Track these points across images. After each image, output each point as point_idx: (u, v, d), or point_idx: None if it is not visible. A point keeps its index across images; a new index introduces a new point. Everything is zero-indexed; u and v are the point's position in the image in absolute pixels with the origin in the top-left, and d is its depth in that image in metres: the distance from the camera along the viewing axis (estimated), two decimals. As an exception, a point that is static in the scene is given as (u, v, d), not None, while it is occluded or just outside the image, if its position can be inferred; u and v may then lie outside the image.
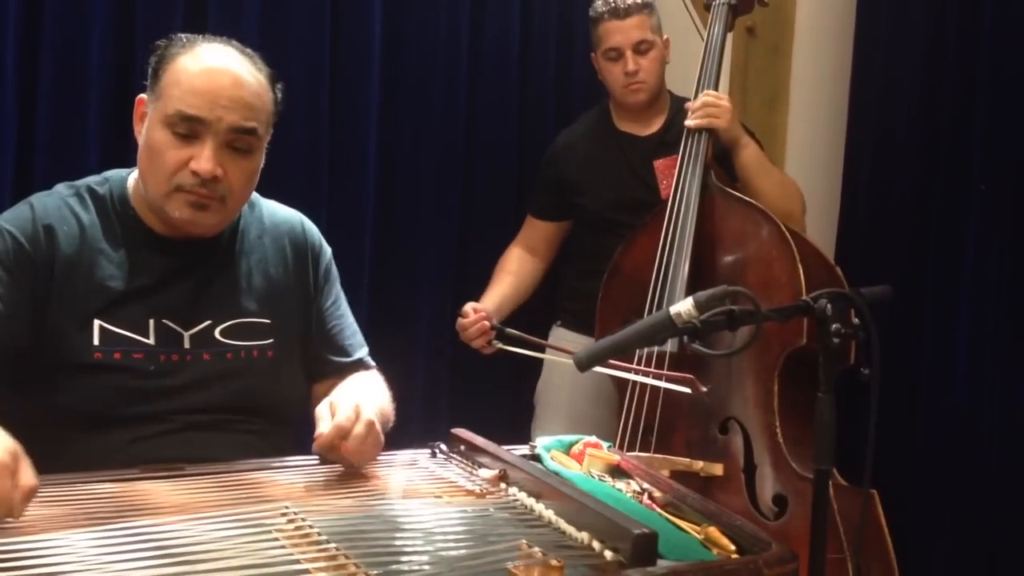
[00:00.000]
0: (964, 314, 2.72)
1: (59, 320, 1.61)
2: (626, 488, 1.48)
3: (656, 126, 2.83)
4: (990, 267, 2.67)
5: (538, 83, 3.23)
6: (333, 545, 1.16)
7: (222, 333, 1.71)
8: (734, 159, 2.64)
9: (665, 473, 2.09)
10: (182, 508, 1.29)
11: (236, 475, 1.47)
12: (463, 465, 1.55)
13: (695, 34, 2.98)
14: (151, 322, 1.66)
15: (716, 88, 2.67)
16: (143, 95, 1.70)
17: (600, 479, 1.50)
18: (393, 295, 3.01)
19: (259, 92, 1.67)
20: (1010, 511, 2.63)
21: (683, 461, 2.39)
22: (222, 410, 1.68)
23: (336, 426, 1.49)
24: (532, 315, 2.93)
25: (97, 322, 1.63)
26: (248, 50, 1.72)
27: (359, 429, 1.50)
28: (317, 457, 1.55)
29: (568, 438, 1.63)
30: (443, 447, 1.62)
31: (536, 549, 1.17)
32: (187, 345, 1.68)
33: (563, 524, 1.27)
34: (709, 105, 2.59)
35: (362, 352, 1.91)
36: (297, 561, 1.12)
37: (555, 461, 1.54)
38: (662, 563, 1.17)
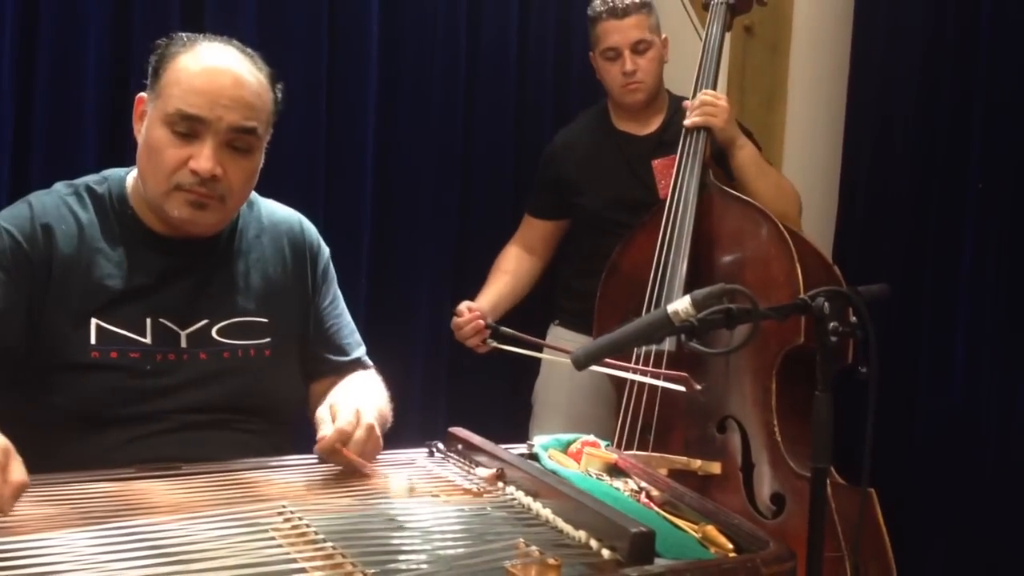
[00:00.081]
0: (962, 313, 2.72)
1: (56, 319, 1.61)
2: (624, 487, 1.48)
3: (654, 126, 2.83)
4: (987, 266, 2.68)
5: (536, 83, 3.23)
6: (330, 544, 1.16)
7: (219, 332, 1.71)
8: (730, 159, 2.64)
9: (663, 472, 2.09)
10: (178, 508, 1.29)
11: (233, 474, 1.47)
12: (461, 464, 1.55)
13: (693, 33, 2.98)
14: (148, 321, 1.66)
15: (714, 87, 2.67)
16: (143, 94, 1.69)
17: (598, 478, 1.50)
18: (391, 294, 3.01)
19: (259, 92, 1.67)
20: (1008, 509, 2.63)
21: (681, 460, 2.39)
22: (219, 409, 1.68)
23: (338, 431, 1.49)
24: (530, 314, 2.93)
25: (94, 321, 1.62)
26: (248, 49, 1.72)
27: (360, 434, 1.50)
28: (313, 456, 1.55)
29: (566, 437, 1.63)
30: (441, 446, 1.61)
31: (533, 548, 1.16)
32: (184, 344, 1.68)
33: (561, 523, 1.27)
34: (706, 104, 2.59)
35: (360, 351, 1.91)
36: (294, 560, 1.12)
37: (553, 460, 1.54)
38: (660, 562, 1.17)
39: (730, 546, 1.28)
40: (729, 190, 2.56)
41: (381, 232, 2.98)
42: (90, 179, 1.74)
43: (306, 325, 1.83)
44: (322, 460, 1.54)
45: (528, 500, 1.36)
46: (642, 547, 1.16)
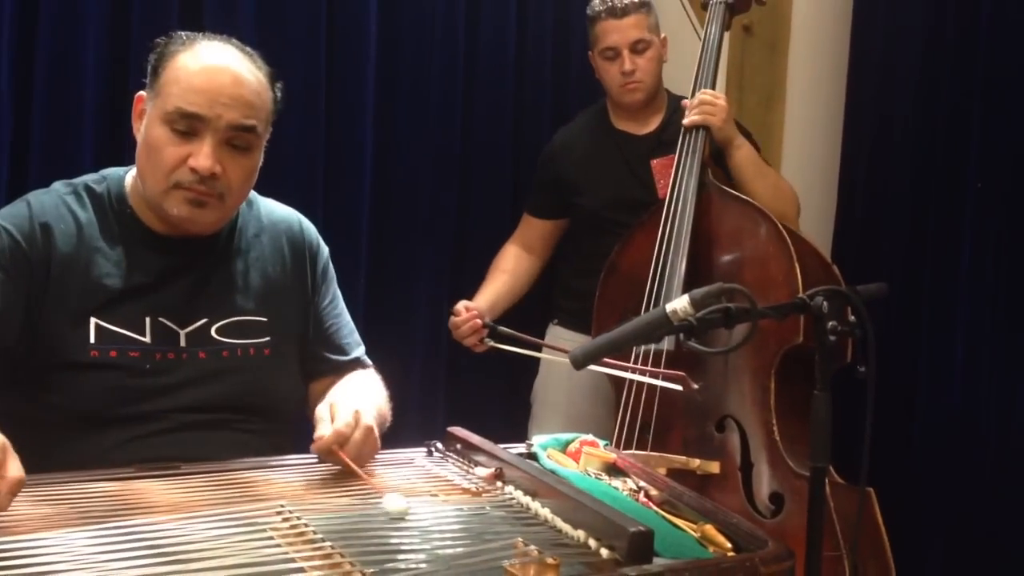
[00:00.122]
0: (961, 312, 2.72)
1: (55, 318, 1.61)
2: (622, 486, 1.48)
3: (653, 125, 2.83)
4: (986, 265, 2.68)
5: (534, 82, 3.23)
6: (328, 544, 1.16)
7: (218, 331, 1.71)
8: (727, 160, 2.64)
9: (662, 471, 2.09)
10: (177, 507, 1.29)
11: (231, 474, 1.46)
12: (459, 464, 1.55)
13: (692, 33, 2.98)
14: (147, 320, 1.65)
15: (713, 87, 2.67)
16: (142, 92, 1.70)
17: (596, 477, 1.50)
18: (389, 294, 3.01)
19: (259, 90, 1.67)
20: (1006, 508, 2.63)
21: (680, 459, 2.39)
22: (218, 408, 1.68)
23: (335, 432, 1.49)
24: (529, 313, 2.93)
25: (93, 320, 1.62)
26: (247, 48, 1.72)
27: (357, 436, 1.50)
28: (312, 456, 1.55)
29: (565, 436, 1.63)
30: (439, 445, 1.61)
31: (532, 547, 1.16)
32: (183, 343, 1.68)
33: (559, 522, 1.27)
34: (705, 103, 2.59)
35: (359, 351, 1.91)
36: (292, 560, 1.12)
37: (552, 459, 1.54)
38: (658, 561, 1.17)
39: (729, 545, 1.27)
40: (728, 189, 2.56)
41: (380, 231, 2.98)
42: (89, 178, 1.74)
43: (305, 324, 1.83)
44: (321, 460, 1.54)
45: (527, 499, 1.35)
46: (640, 546, 1.15)
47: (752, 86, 3.23)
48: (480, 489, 1.42)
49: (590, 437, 1.63)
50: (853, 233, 3.02)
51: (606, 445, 1.62)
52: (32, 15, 2.46)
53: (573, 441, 1.62)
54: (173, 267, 1.70)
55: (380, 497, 1.32)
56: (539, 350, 2.54)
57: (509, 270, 2.92)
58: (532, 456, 1.56)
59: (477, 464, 1.52)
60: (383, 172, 2.98)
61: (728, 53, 3.13)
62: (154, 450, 1.59)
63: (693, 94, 2.64)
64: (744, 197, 2.54)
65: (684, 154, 2.58)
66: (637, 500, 1.43)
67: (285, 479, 1.47)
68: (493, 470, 1.47)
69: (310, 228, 1.89)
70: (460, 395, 3.10)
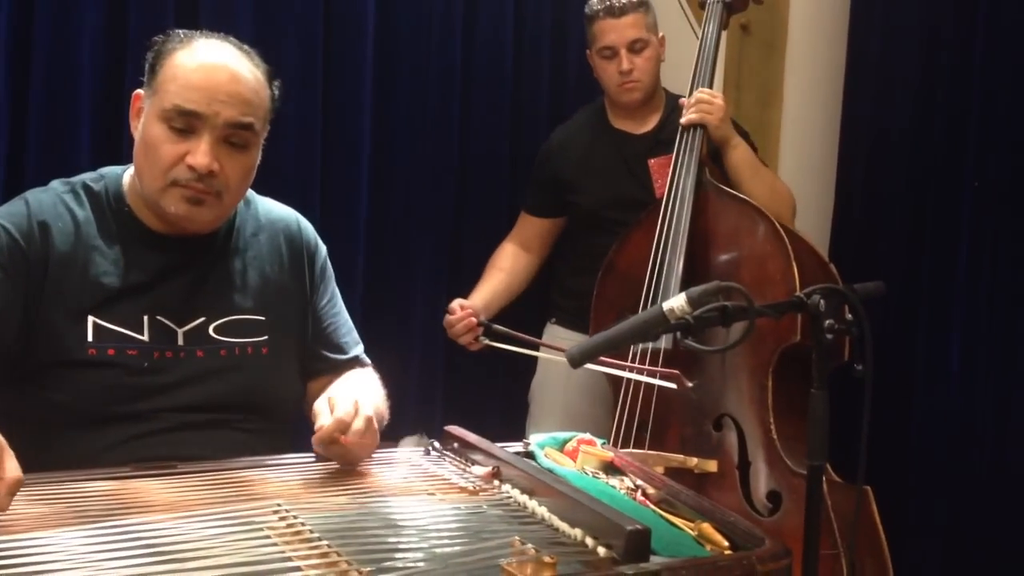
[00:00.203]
0: (958, 311, 2.72)
1: (53, 316, 1.61)
2: (620, 485, 1.48)
3: (651, 124, 2.83)
4: (984, 264, 2.68)
5: (531, 81, 3.22)
6: (325, 543, 1.16)
7: (216, 330, 1.71)
8: (724, 159, 2.64)
9: (659, 470, 2.09)
10: (174, 506, 1.29)
11: (228, 473, 1.46)
12: (457, 462, 1.55)
13: (690, 32, 2.98)
14: (145, 319, 1.65)
15: (711, 86, 2.67)
16: (139, 90, 1.69)
17: (594, 476, 1.50)
18: (387, 293, 3.01)
19: (256, 88, 1.67)
20: (1003, 507, 2.63)
21: (677, 458, 2.39)
22: (216, 407, 1.67)
23: (336, 420, 1.49)
24: (526, 312, 2.93)
25: (91, 318, 1.62)
26: (245, 46, 1.71)
27: (358, 424, 1.50)
28: (310, 455, 1.55)
29: (562, 435, 1.63)
30: (436, 444, 1.61)
31: (529, 546, 1.16)
32: (181, 342, 1.68)
33: (556, 521, 1.27)
34: (702, 102, 2.59)
35: (357, 350, 1.91)
36: (289, 559, 1.12)
37: (549, 458, 1.54)
38: (655, 559, 1.17)
39: (726, 544, 1.27)
40: (725, 188, 2.56)
41: (377, 231, 2.98)
42: (87, 177, 1.74)
43: (304, 323, 1.83)
44: (318, 458, 1.54)
45: (524, 498, 1.36)
46: (638, 545, 1.16)
47: (749, 85, 3.23)
48: (477, 488, 1.42)
49: (587, 436, 1.63)
50: (850, 232, 3.02)
51: (603, 444, 1.62)
52: (28, 14, 2.46)
53: (570, 440, 1.62)
54: (171, 266, 1.70)
55: (379, 497, 1.32)
56: (535, 348, 2.53)
57: (506, 268, 2.92)
58: (529, 455, 1.56)
59: (474, 463, 1.52)
60: (381, 171, 2.98)
61: (726, 52, 3.13)
62: (152, 449, 1.59)
63: (690, 93, 2.64)
64: (741, 196, 2.54)
65: (681, 153, 2.59)
66: (634, 499, 1.43)
67: (282, 478, 1.47)
68: (490, 469, 1.47)
69: (308, 227, 1.89)
70: (458, 394, 3.10)
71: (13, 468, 1.20)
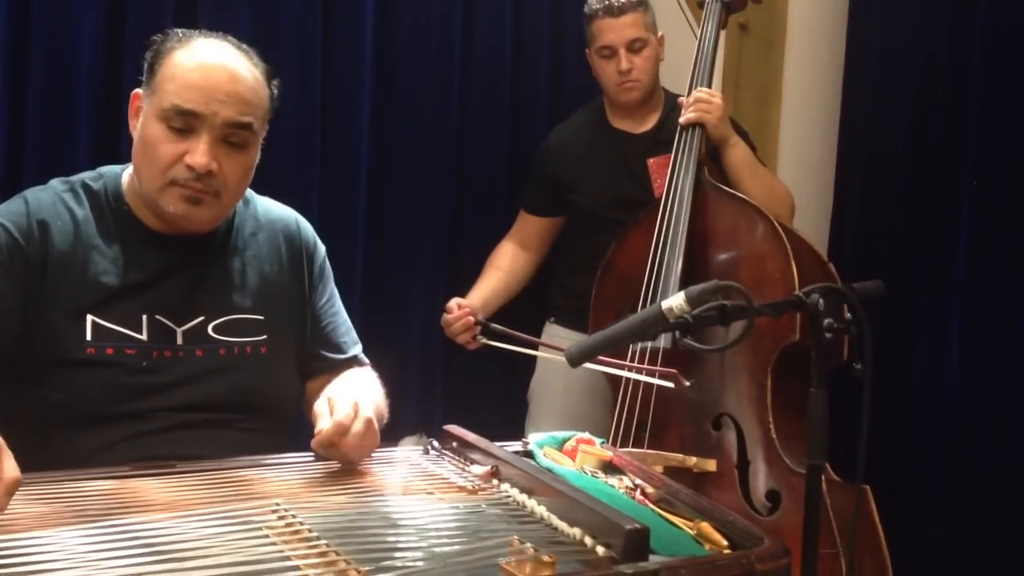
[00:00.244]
0: (956, 310, 2.72)
1: (51, 315, 1.61)
2: (619, 484, 1.48)
3: (650, 123, 2.83)
4: (982, 263, 2.68)
5: (530, 80, 3.22)
6: (324, 542, 1.15)
7: (215, 329, 1.71)
8: (722, 158, 2.64)
9: (658, 469, 2.09)
10: (173, 506, 1.29)
11: (227, 472, 1.46)
12: (456, 462, 1.55)
13: (688, 31, 2.98)
14: (144, 318, 1.65)
15: (709, 85, 2.67)
16: (138, 90, 1.69)
17: (593, 475, 1.50)
18: (386, 293, 3.00)
19: (255, 87, 1.67)
20: (1002, 505, 2.63)
21: (676, 457, 2.39)
22: (215, 407, 1.67)
23: (336, 423, 1.49)
24: (525, 311, 2.93)
25: (90, 318, 1.62)
26: (244, 45, 1.71)
27: (358, 426, 1.50)
28: (309, 454, 1.55)
29: (561, 434, 1.63)
30: (435, 444, 1.61)
31: (528, 545, 1.16)
32: (180, 341, 1.67)
33: (555, 520, 1.27)
34: (700, 101, 2.59)
35: (356, 349, 1.91)
36: (288, 558, 1.12)
37: (548, 457, 1.54)
38: (654, 558, 1.17)
39: (725, 543, 1.27)
40: (724, 187, 2.56)
41: (376, 230, 2.98)
42: (86, 176, 1.74)
43: (303, 323, 1.83)
44: (318, 457, 1.54)
45: (523, 497, 1.36)
46: (636, 544, 1.16)
47: (748, 84, 3.23)
48: (476, 487, 1.42)
49: (586, 435, 1.63)
50: (849, 231, 3.02)
51: (602, 443, 1.62)
52: (26, 13, 2.46)
53: (569, 439, 1.62)
54: (170, 265, 1.70)
55: (378, 496, 1.32)
56: (532, 348, 2.53)
57: (504, 267, 2.92)
58: (528, 454, 1.56)
59: (473, 462, 1.52)
60: (379, 171, 2.98)
61: (724, 51, 3.13)
62: (150, 448, 1.58)
63: (689, 92, 2.64)
64: (740, 195, 2.54)
65: (680, 152, 2.58)
66: (633, 498, 1.42)
67: (281, 478, 1.47)
68: (489, 468, 1.47)
69: (307, 227, 1.89)
70: (457, 393, 3.10)
71: (11, 468, 1.20)
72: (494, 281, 2.88)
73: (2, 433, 1.23)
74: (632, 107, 2.81)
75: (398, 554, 1.14)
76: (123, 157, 1.72)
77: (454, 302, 2.69)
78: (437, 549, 1.17)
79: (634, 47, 2.73)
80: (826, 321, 1.42)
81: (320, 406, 1.57)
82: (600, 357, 1.73)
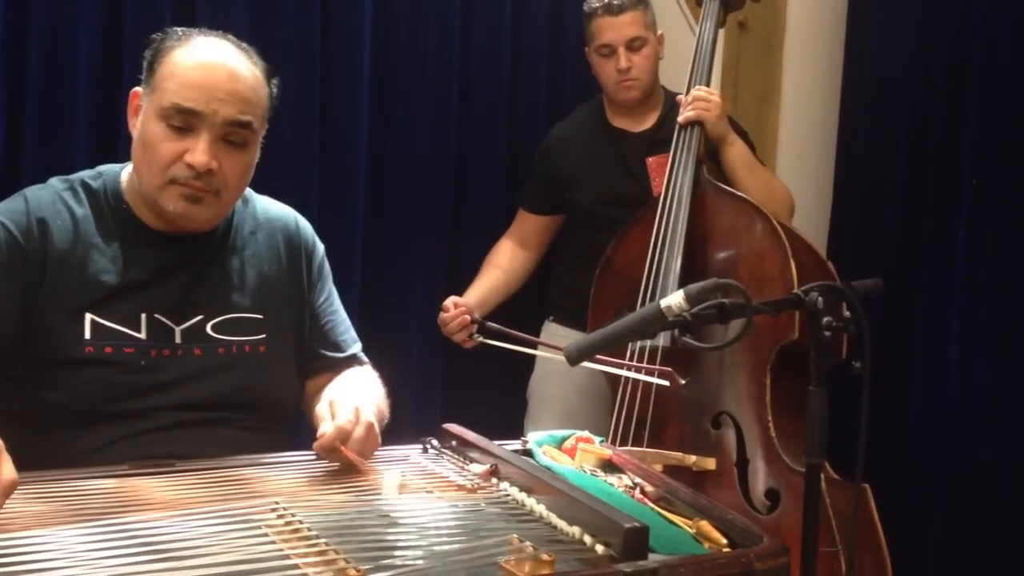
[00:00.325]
0: (955, 308, 2.72)
1: (50, 314, 1.61)
2: (618, 483, 1.48)
3: (650, 122, 2.83)
4: (981, 261, 2.68)
5: (529, 78, 3.22)
6: (323, 541, 1.15)
7: (214, 328, 1.71)
8: (721, 157, 2.64)
9: (658, 468, 2.09)
10: (172, 504, 1.29)
11: (226, 471, 1.46)
12: (455, 460, 1.54)
13: (687, 30, 2.98)
14: (143, 317, 1.65)
15: (708, 84, 2.67)
16: (137, 88, 1.69)
17: (592, 474, 1.50)
18: (385, 292, 3.00)
19: (255, 86, 1.67)
20: (1001, 505, 2.63)
21: (675, 456, 2.39)
22: (214, 406, 1.67)
23: (337, 428, 1.49)
24: (524, 310, 2.93)
25: (89, 316, 1.62)
26: (244, 44, 1.71)
27: (359, 432, 1.50)
28: (308, 453, 1.55)
29: (560, 433, 1.63)
30: (435, 442, 1.61)
31: (527, 544, 1.16)
32: (178, 340, 1.67)
33: (554, 519, 1.27)
34: (699, 99, 2.59)
35: (355, 348, 1.91)
36: (287, 557, 1.12)
37: (547, 456, 1.54)
38: (653, 557, 1.17)
39: (724, 541, 1.27)
40: (723, 186, 2.56)
41: (375, 229, 2.98)
42: (85, 174, 1.74)
43: (302, 322, 1.83)
44: (318, 457, 1.54)
45: (522, 496, 1.35)
46: (636, 542, 1.15)
47: (747, 83, 3.23)
48: (475, 485, 1.42)
49: (586, 434, 1.63)
50: (848, 230, 3.02)
51: (602, 441, 1.62)
52: (25, 12, 2.45)
53: (569, 437, 1.62)
54: (169, 264, 1.70)
55: (378, 495, 1.32)
56: (529, 346, 2.53)
57: (502, 266, 2.92)
58: (527, 453, 1.56)
59: (472, 461, 1.52)
60: (378, 170, 2.98)
61: (723, 50, 3.13)
62: (149, 447, 1.59)
63: (688, 91, 2.64)
64: (739, 194, 2.54)
65: (679, 151, 2.58)
66: (633, 496, 1.42)
67: (281, 476, 1.47)
68: (488, 466, 1.47)
69: (306, 226, 1.89)
70: (456, 392, 3.10)
71: (8, 471, 1.20)
72: (492, 279, 2.88)
73: (1, 432, 1.23)
74: (631, 106, 2.81)
75: (397, 553, 1.14)
76: (122, 156, 1.72)
77: (450, 301, 2.69)
78: (436, 548, 1.16)
79: (633, 46, 2.73)
80: (825, 319, 1.42)
81: (322, 409, 1.58)
82: (596, 355, 1.73)
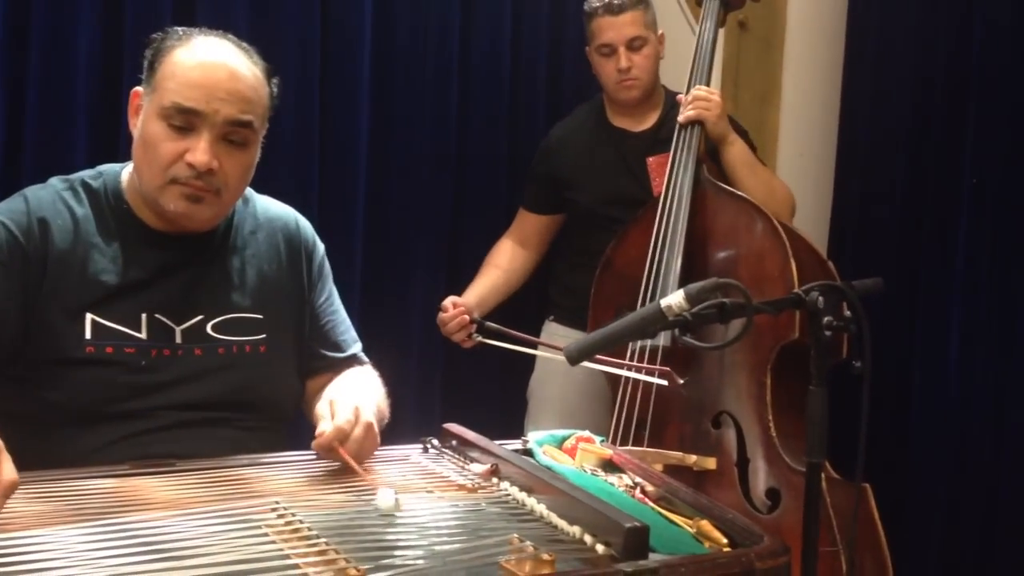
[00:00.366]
0: (956, 308, 2.72)
1: (51, 313, 1.61)
2: (618, 482, 1.48)
3: (650, 122, 2.83)
4: (981, 260, 2.68)
5: (529, 78, 3.22)
6: (323, 540, 1.15)
7: (214, 328, 1.70)
8: (721, 156, 2.64)
9: (658, 467, 2.09)
10: (172, 504, 1.29)
11: (227, 471, 1.46)
12: (455, 460, 1.54)
13: (687, 29, 2.98)
14: (143, 316, 1.65)
15: (708, 83, 2.67)
16: (138, 88, 1.69)
17: (592, 473, 1.50)
18: (385, 291, 3.00)
19: (255, 86, 1.67)
20: (1002, 504, 2.63)
21: (676, 455, 2.39)
22: (214, 406, 1.67)
23: (336, 428, 1.49)
24: (525, 309, 2.93)
25: (89, 316, 1.62)
26: (244, 44, 1.71)
27: (358, 432, 1.50)
28: (308, 453, 1.55)
29: (561, 433, 1.63)
30: (435, 442, 1.61)
31: (528, 543, 1.16)
32: (179, 340, 1.67)
33: (555, 518, 1.27)
34: (699, 99, 2.59)
35: (356, 347, 1.91)
36: (287, 557, 1.12)
37: (547, 456, 1.54)
38: (654, 557, 1.17)
39: (725, 541, 1.27)
40: (723, 185, 2.56)
41: (375, 229, 2.98)
42: (85, 174, 1.74)
43: (302, 322, 1.83)
44: (318, 456, 1.54)
45: (522, 496, 1.35)
46: (636, 542, 1.15)
47: (747, 82, 3.23)
48: (476, 485, 1.42)
49: (586, 433, 1.63)
50: (849, 229, 3.02)
51: (602, 441, 1.62)
52: (24, 12, 2.45)
53: (569, 437, 1.62)
54: (170, 263, 1.70)
55: (375, 494, 1.32)
56: (528, 345, 2.53)
57: (502, 265, 2.92)
58: (528, 452, 1.56)
59: (473, 460, 1.51)
60: (378, 170, 2.98)
61: (723, 49, 3.13)
62: (149, 447, 1.58)
63: (688, 90, 2.64)
64: (739, 193, 2.54)
65: (679, 150, 2.58)
66: (633, 496, 1.42)
67: (281, 476, 1.47)
68: (489, 466, 1.47)
69: (306, 226, 1.89)
70: (456, 391, 3.10)
71: (9, 471, 1.20)
72: (491, 279, 2.88)
73: (1, 432, 1.23)
74: (632, 105, 2.81)
75: (398, 552, 1.14)
76: (122, 155, 1.72)
77: (449, 301, 2.69)
78: (437, 547, 1.16)
79: (634, 45, 2.73)
80: (825, 319, 1.42)
81: (322, 408, 1.58)
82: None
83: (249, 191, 1.82)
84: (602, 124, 2.88)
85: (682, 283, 2.39)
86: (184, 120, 1.61)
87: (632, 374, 2.34)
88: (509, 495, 1.37)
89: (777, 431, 2.31)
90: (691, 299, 1.35)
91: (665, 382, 2.29)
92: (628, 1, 2.71)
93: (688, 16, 3.02)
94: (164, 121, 1.62)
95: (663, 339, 2.41)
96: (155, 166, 1.62)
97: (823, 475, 1.50)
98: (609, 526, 1.18)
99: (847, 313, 1.46)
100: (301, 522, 1.22)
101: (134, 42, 2.43)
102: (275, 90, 1.73)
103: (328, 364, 1.85)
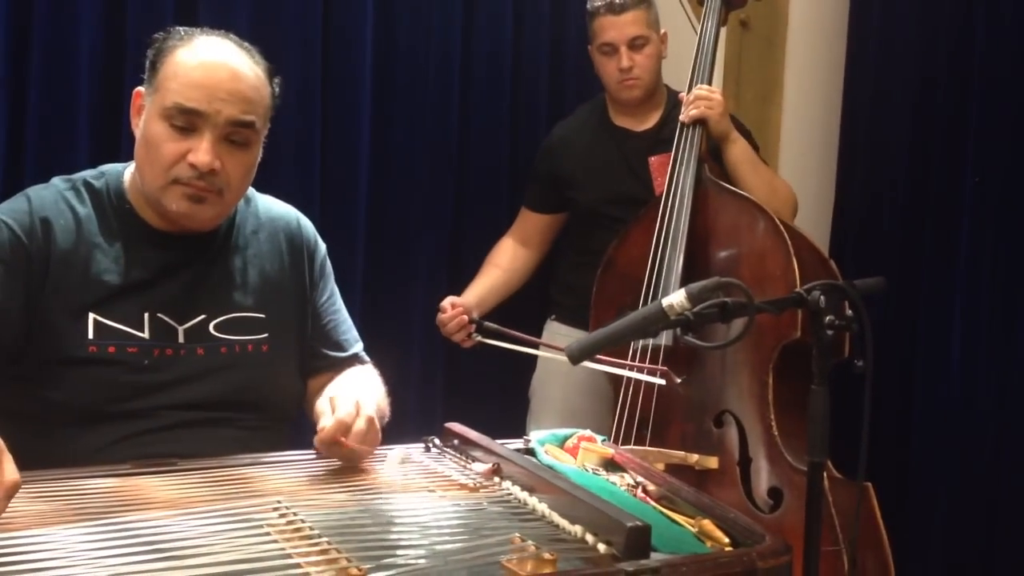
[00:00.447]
0: (958, 307, 2.72)
1: (53, 313, 1.61)
2: (620, 482, 1.47)
3: (652, 121, 2.83)
4: (983, 260, 2.68)
5: (530, 78, 3.22)
6: (325, 539, 1.16)
7: (216, 328, 1.71)
8: (723, 155, 2.64)
9: (660, 467, 2.09)
10: (173, 503, 1.29)
11: (228, 470, 1.46)
12: (457, 459, 1.55)
13: (689, 28, 2.98)
14: (146, 316, 1.65)
15: (710, 82, 2.67)
16: (140, 88, 1.69)
17: (594, 473, 1.50)
18: (387, 291, 3.01)
19: (257, 86, 1.67)
20: (1004, 502, 2.63)
21: (678, 454, 2.39)
22: (215, 405, 1.67)
23: (338, 421, 1.49)
24: (526, 308, 2.93)
25: (92, 316, 1.62)
26: (246, 44, 1.71)
27: (360, 425, 1.50)
28: (310, 452, 1.55)
29: (562, 432, 1.63)
30: (437, 441, 1.61)
31: (529, 543, 1.16)
32: (181, 339, 1.68)
33: (556, 518, 1.27)
34: (701, 98, 2.59)
35: (357, 347, 1.91)
36: (289, 556, 1.12)
37: (549, 455, 1.54)
38: (656, 556, 1.17)
39: (726, 540, 1.27)
40: (725, 185, 2.56)
41: (377, 229, 2.98)
42: (87, 174, 1.74)
43: (304, 321, 1.83)
44: (319, 455, 1.54)
45: (524, 495, 1.36)
46: (638, 541, 1.15)
47: (749, 81, 3.23)
48: (477, 485, 1.42)
49: (588, 432, 1.63)
50: (850, 228, 3.02)
51: (604, 440, 1.62)
52: (27, 12, 2.46)
53: (571, 436, 1.61)
54: (172, 263, 1.70)
55: (379, 494, 1.32)
56: (528, 345, 2.53)
57: (503, 265, 2.92)
58: (530, 452, 1.56)
59: (475, 459, 1.52)
60: (380, 169, 2.98)
61: (725, 48, 3.13)
62: (151, 446, 1.59)
63: (689, 90, 2.64)
64: (741, 192, 2.54)
65: (681, 150, 2.58)
66: (635, 495, 1.42)
67: (282, 475, 1.47)
68: (490, 465, 1.47)
69: (308, 225, 1.89)
70: (458, 391, 3.10)
71: (11, 472, 1.20)
72: (491, 279, 2.88)
73: (3, 432, 1.23)
74: (634, 105, 2.81)
75: (399, 551, 1.14)
76: (124, 155, 1.72)
77: (448, 301, 2.69)
78: (438, 547, 1.16)
79: (636, 45, 2.72)
80: (827, 318, 1.42)
81: (322, 404, 1.58)
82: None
83: (251, 191, 1.82)
84: (604, 123, 2.87)
85: (684, 282, 2.39)
86: (186, 120, 1.61)
87: (629, 373, 2.34)
88: (511, 494, 1.37)
89: (779, 430, 2.31)
90: (693, 298, 1.35)
91: (663, 382, 2.29)
92: (630, 0, 2.71)
93: (690, 15, 3.01)
94: (166, 121, 1.62)
95: (664, 338, 2.41)
96: (157, 166, 1.63)
97: (825, 474, 1.50)
98: (611, 525, 1.18)
99: (849, 312, 1.46)
100: (303, 521, 1.22)
101: (136, 42, 2.43)
102: (277, 90, 1.73)
103: (330, 363, 1.85)
